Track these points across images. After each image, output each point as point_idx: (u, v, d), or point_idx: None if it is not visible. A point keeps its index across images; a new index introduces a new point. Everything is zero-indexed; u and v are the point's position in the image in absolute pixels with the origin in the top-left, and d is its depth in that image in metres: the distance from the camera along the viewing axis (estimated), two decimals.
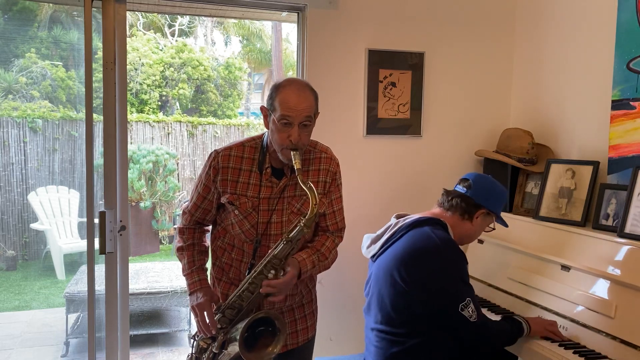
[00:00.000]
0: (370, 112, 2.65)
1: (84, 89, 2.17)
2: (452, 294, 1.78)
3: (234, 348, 1.64)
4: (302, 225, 1.62)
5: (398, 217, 2.05)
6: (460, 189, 1.98)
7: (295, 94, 1.66)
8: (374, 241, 2.03)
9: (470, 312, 1.77)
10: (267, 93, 1.73)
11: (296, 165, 1.64)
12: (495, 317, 2.11)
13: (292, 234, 1.63)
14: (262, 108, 1.76)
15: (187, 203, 1.90)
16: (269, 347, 1.65)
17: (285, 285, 1.65)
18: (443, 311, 1.79)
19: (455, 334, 1.84)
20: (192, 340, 1.81)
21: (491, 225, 2.04)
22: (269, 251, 1.67)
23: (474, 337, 1.83)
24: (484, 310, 2.19)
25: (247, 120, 10.10)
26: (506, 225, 2.10)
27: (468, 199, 1.95)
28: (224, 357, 1.72)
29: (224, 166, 1.77)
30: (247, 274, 1.72)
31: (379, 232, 2.03)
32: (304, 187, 1.63)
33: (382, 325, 1.90)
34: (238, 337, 1.60)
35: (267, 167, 1.77)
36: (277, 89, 1.70)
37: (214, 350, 1.72)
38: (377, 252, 1.98)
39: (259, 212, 1.75)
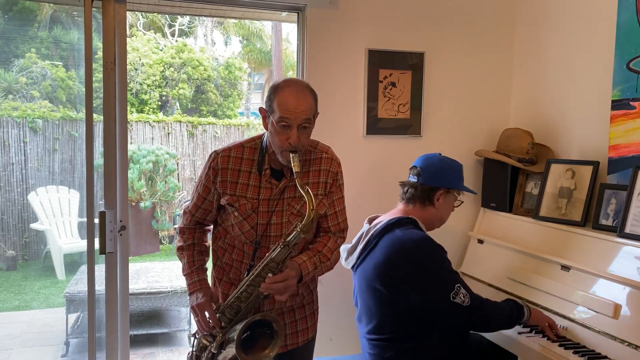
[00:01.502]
0: (370, 112, 2.65)
1: (84, 89, 2.17)
2: (440, 287, 1.79)
3: (232, 349, 1.64)
4: (299, 230, 1.60)
5: (370, 220, 2.06)
6: (412, 177, 2.00)
7: (294, 96, 1.64)
8: (350, 252, 2.04)
9: (462, 297, 1.78)
10: (267, 93, 1.72)
11: (295, 168, 1.62)
12: None
13: (289, 238, 1.61)
14: (260, 109, 1.75)
15: (188, 203, 1.90)
16: (265, 349, 1.65)
17: (282, 284, 1.63)
18: (436, 305, 1.80)
19: (453, 323, 1.84)
20: (192, 339, 1.81)
21: (460, 199, 2.05)
22: (267, 254, 1.65)
23: (473, 320, 1.83)
24: None
25: (247, 120, 10.10)
26: (474, 192, 2.13)
27: (421, 186, 1.97)
28: (223, 357, 1.72)
29: (223, 167, 1.76)
30: (246, 276, 1.71)
31: (353, 241, 2.04)
32: (301, 191, 1.62)
33: (374, 335, 1.91)
34: (235, 338, 1.61)
35: (266, 168, 1.76)
36: (275, 90, 1.67)
37: (212, 350, 1.72)
38: (355, 263, 1.99)
39: (258, 213, 1.75)
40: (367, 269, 1.91)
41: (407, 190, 1.99)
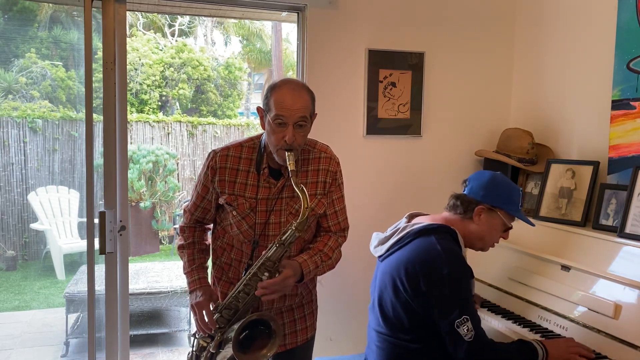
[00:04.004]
0: (370, 112, 2.65)
1: (84, 89, 2.17)
2: (450, 308, 1.72)
3: (231, 349, 1.64)
4: (294, 229, 1.60)
5: (410, 217, 2.00)
6: (463, 189, 1.95)
7: (290, 94, 1.66)
8: (381, 242, 2.00)
9: (466, 330, 1.69)
10: (264, 93, 1.74)
11: (290, 167, 1.63)
12: (495, 318, 2.11)
13: (285, 237, 1.62)
14: (258, 109, 1.76)
15: (188, 202, 1.90)
16: (264, 349, 1.65)
17: (279, 286, 1.63)
18: (439, 324, 1.75)
19: (450, 349, 1.77)
20: (192, 339, 1.81)
21: (507, 224, 1.92)
22: (263, 253, 1.66)
23: (467, 357, 1.71)
24: (484, 311, 2.19)
25: (247, 120, 10.10)
26: (531, 223, 1.96)
27: (464, 196, 1.91)
28: (222, 356, 1.72)
29: (222, 166, 1.76)
30: (244, 275, 1.71)
31: (387, 232, 2.00)
32: (296, 190, 1.62)
33: (384, 329, 1.90)
34: (233, 338, 1.60)
35: (265, 167, 1.76)
36: (272, 89, 1.69)
37: (211, 350, 1.72)
38: (383, 254, 1.96)
39: (256, 212, 1.75)
40: (393, 263, 1.87)
41: (451, 199, 1.93)
